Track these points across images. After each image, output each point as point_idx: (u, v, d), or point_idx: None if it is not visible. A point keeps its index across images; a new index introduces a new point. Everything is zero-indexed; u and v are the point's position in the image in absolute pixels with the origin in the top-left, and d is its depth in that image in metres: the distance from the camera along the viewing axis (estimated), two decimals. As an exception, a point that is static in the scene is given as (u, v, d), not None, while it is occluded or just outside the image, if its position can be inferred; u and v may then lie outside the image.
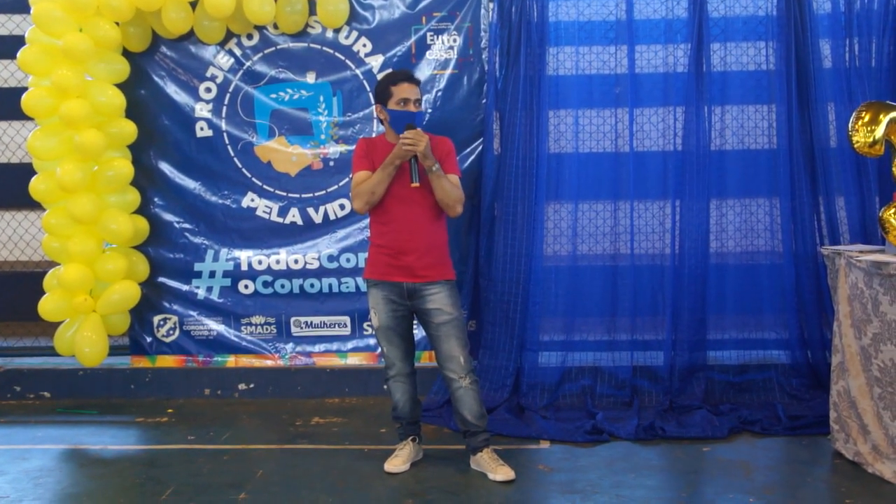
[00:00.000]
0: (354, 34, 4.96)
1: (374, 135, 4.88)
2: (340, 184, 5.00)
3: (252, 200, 5.09)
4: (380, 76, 4.61)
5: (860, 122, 3.77)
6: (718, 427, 4.26)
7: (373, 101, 4.23)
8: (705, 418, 4.35)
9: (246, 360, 5.17)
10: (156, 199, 5.16)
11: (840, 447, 3.91)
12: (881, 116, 3.73)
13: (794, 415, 4.39)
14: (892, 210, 3.73)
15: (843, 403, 3.87)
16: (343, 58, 4.98)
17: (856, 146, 3.81)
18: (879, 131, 3.73)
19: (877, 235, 4.46)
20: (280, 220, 5.09)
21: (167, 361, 5.22)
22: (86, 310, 4.86)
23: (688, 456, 4.03)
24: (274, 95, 5.03)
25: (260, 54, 5.02)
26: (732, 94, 4.75)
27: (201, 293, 5.17)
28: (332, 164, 5.03)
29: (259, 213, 5.10)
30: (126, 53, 4.98)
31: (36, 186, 4.82)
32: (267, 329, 5.16)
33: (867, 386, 3.70)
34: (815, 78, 4.60)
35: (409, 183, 3.68)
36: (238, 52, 5.03)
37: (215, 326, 5.18)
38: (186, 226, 5.16)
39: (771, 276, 4.76)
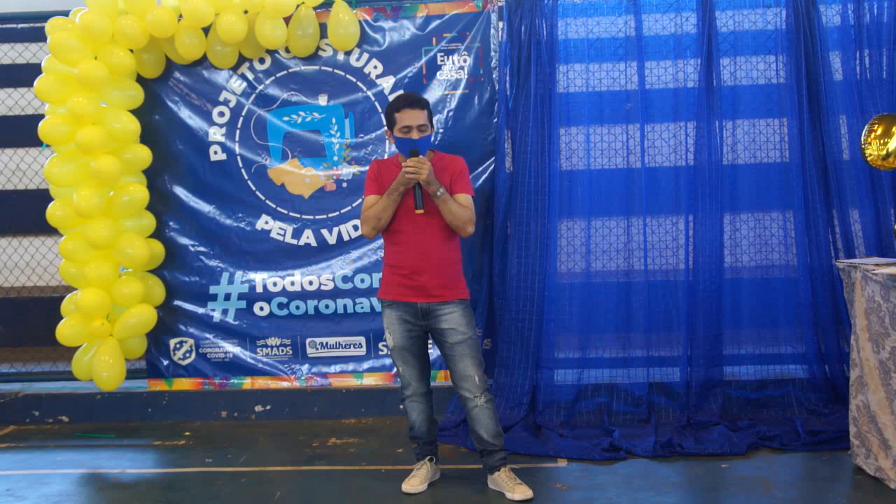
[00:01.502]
0: (365, 56, 5.00)
1: (386, 155, 4.92)
2: (354, 205, 5.03)
3: (266, 223, 5.13)
4: (391, 97, 4.64)
5: (873, 135, 3.76)
6: (737, 443, 4.24)
7: (384, 123, 4.27)
8: (723, 434, 4.33)
9: (262, 382, 5.18)
10: (171, 223, 5.19)
11: (861, 462, 3.87)
12: (894, 129, 3.72)
13: (813, 430, 4.35)
14: (908, 222, 3.72)
15: (862, 418, 3.84)
16: (354, 80, 5.01)
17: (868, 159, 3.80)
18: (892, 144, 3.72)
19: (892, 248, 4.44)
20: (294, 241, 5.12)
21: (184, 384, 5.24)
22: (103, 334, 4.89)
23: (706, 473, 4.00)
24: (286, 118, 5.07)
25: (272, 78, 5.06)
26: (743, 108, 4.75)
27: (217, 316, 5.19)
28: (345, 185, 5.06)
29: (273, 235, 5.13)
30: (140, 80, 5.04)
31: (53, 212, 4.87)
32: (283, 350, 5.17)
33: (887, 400, 3.67)
34: (826, 91, 4.59)
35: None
36: (250, 76, 5.08)
37: (231, 349, 5.20)
38: (201, 249, 5.19)
39: (786, 290, 4.73)
